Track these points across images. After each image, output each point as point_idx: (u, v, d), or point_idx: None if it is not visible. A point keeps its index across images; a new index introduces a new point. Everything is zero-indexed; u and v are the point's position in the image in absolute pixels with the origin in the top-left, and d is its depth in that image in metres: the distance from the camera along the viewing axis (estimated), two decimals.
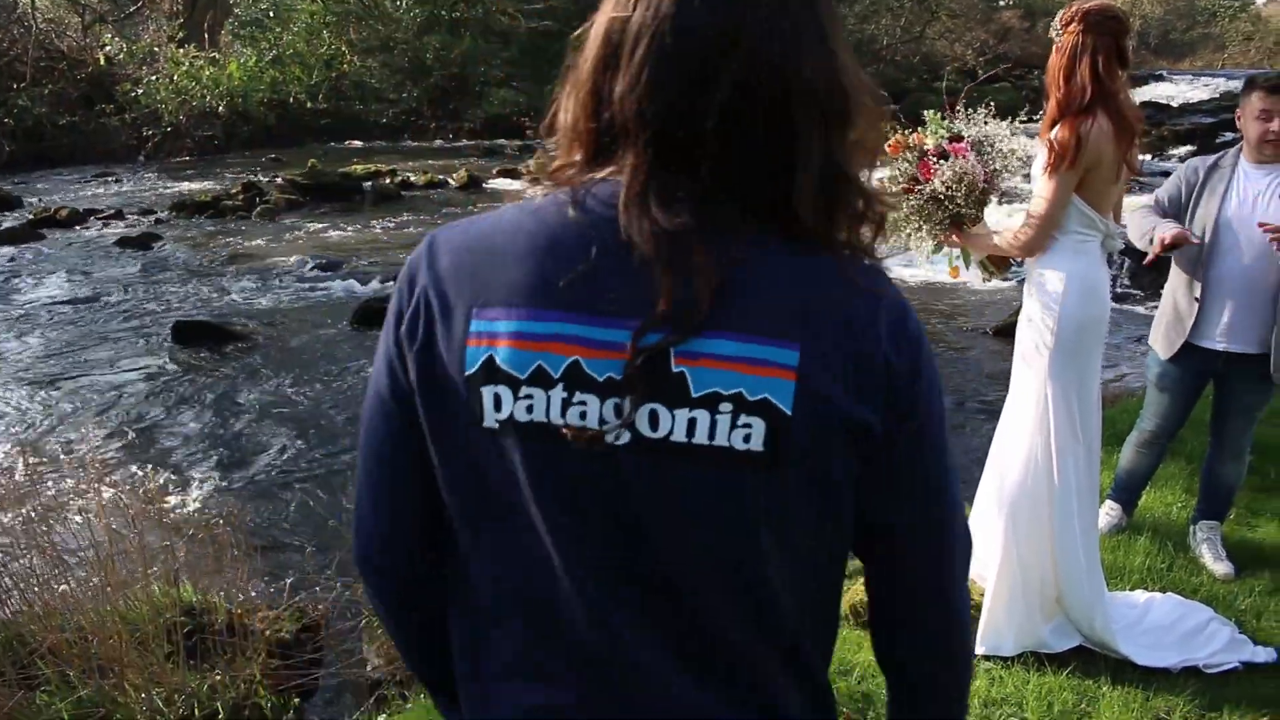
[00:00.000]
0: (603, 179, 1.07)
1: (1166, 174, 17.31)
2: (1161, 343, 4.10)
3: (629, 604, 1.07)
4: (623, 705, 1.10)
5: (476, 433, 1.07)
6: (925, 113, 3.45)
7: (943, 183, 3.25)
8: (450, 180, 20.61)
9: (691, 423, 1.01)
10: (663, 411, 1.01)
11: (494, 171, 22.18)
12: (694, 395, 1.00)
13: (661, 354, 1.00)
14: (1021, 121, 3.55)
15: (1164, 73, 42.68)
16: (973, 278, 3.69)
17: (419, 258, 1.14)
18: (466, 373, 1.06)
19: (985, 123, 3.41)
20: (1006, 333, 7.55)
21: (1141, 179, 17.73)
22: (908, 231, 3.42)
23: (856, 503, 1.09)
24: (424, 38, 28.25)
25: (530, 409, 1.04)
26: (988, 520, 3.52)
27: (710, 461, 1.02)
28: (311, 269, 12.36)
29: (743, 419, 1.00)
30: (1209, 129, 26.70)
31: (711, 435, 1.01)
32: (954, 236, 3.42)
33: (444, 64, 28.94)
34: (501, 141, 28.40)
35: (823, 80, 1.04)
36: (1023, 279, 3.64)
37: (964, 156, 3.29)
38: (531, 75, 29.55)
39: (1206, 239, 3.89)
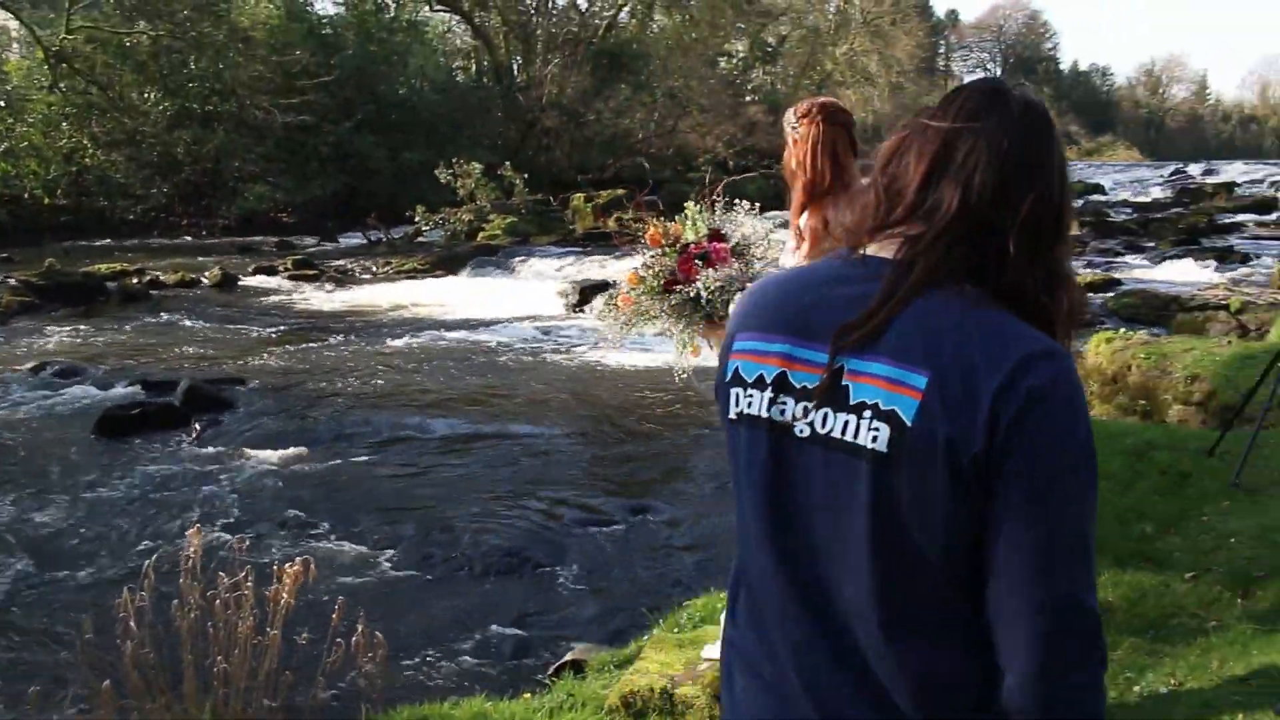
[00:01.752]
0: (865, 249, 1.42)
1: None
2: None
3: (789, 578, 1.38)
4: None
5: (726, 424, 1.47)
6: (686, 204, 3.54)
7: (706, 288, 3.35)
8: (203, 279, 19.82)
9: (845, 424, 1.33)
10: (830, 413, 1.34)
11: (250, 269, 21.51)
12: (851, 402, 1.33)
13: (838, 371, 1.34)
14: (770, 212, 3.69)
15: None
16: (707, 358, 3.77)
17: (740, 299, 1.60)
18: (725, 379, 1.47)
19: (742, 220, 3.54)
20: None
21: None
22: (663, 327, 3.52)
23: (963, 533, 1.28)
24: (174, 132, 27.23)
25: (751, 404, 1.42)
26: None
27: (853, 453, 1.32)
28: (49, 375, 11.58)
29: (875, 423, 1.30)
30: None
31: (856, 434, 1.31)
32: (710, 331, 3.49)
33: (195, 159, 27.97)
34: (257, 238, 27.60)
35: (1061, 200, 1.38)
36: None
37: (728, 263, 3.40)
38: (288, 170, 28.94)
39: None
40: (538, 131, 35.60)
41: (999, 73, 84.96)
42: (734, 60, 47.61)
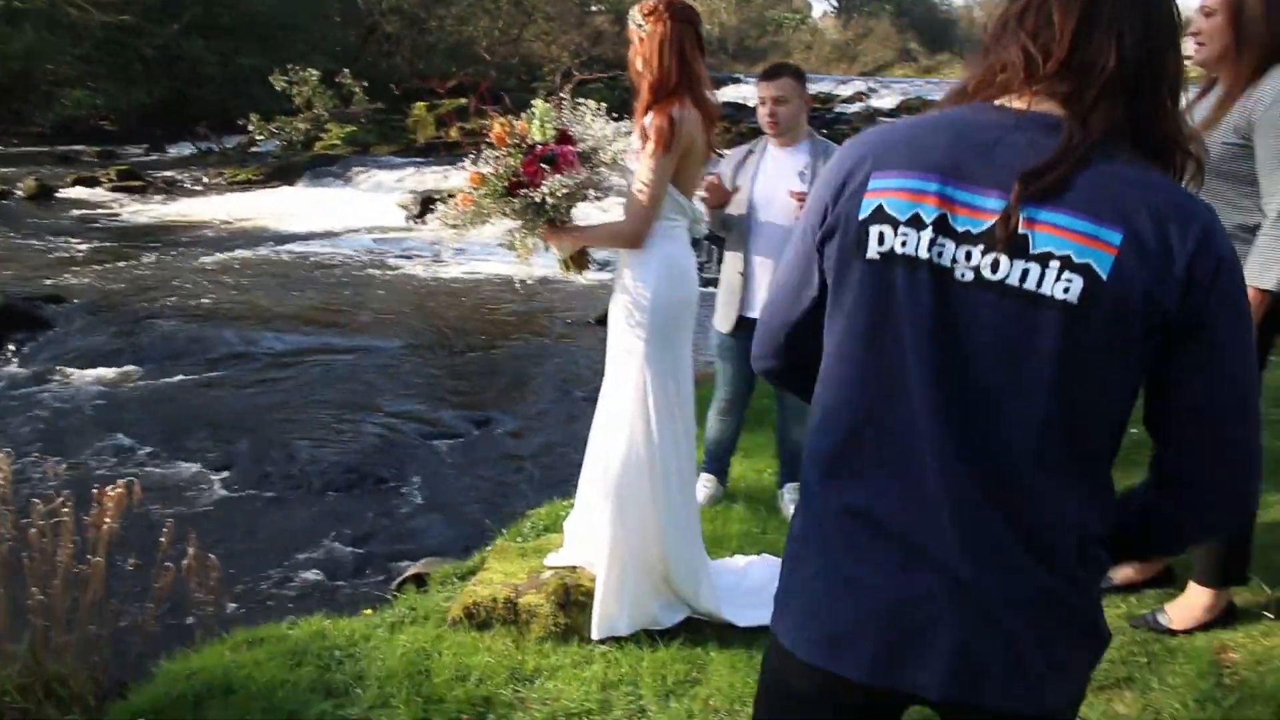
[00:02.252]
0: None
1: None
2: (719, 317, 4.45)
3: (947, 418, 1.37)
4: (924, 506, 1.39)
5: (861, 264, 1.41)
6: (534, 101, 3.38)
7: (551, 193, 3.24)
8: (16, 190, 18.59)
9: (1025, 272, 1.32)
10: (1004, 260, 1.33)
11: (69, 179, 20.23)
12: (1032, 251, 1.32)
13: (1012, 216, 1.32)
14: (615, 118, 3.58)
15: (740, 76, 45.95)
16: (548, 265, 3.68)
17: (842, 148, 1.53)
18: (860, 216, 1.41)
19: (591, 121, 3.42)
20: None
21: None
22: (507, 229, 3.40)
23: (1160, 380, 1.37)
24: None
25: (904, 244, 1.37)
26: (593, 509, 3.60)
27: (1033, 302, 1.32)
28: None
29: (1066, 275, 1.31)
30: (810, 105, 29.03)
31: (1040, 284, 1.32)
32: (550, 236, 3.41)
33: (2, 59, 26.00)
34: (78, 147, 25.90)
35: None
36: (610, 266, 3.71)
37: (575, 169, 3.29)
38: (110, 74, 27.19)
39: (745, 218, 4.26)
40: (378, 37, 34.35)
41: None
42: None
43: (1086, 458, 1.39)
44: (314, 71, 24.35)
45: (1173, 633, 3.38)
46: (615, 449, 3.45)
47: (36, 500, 3.48)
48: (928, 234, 1.37)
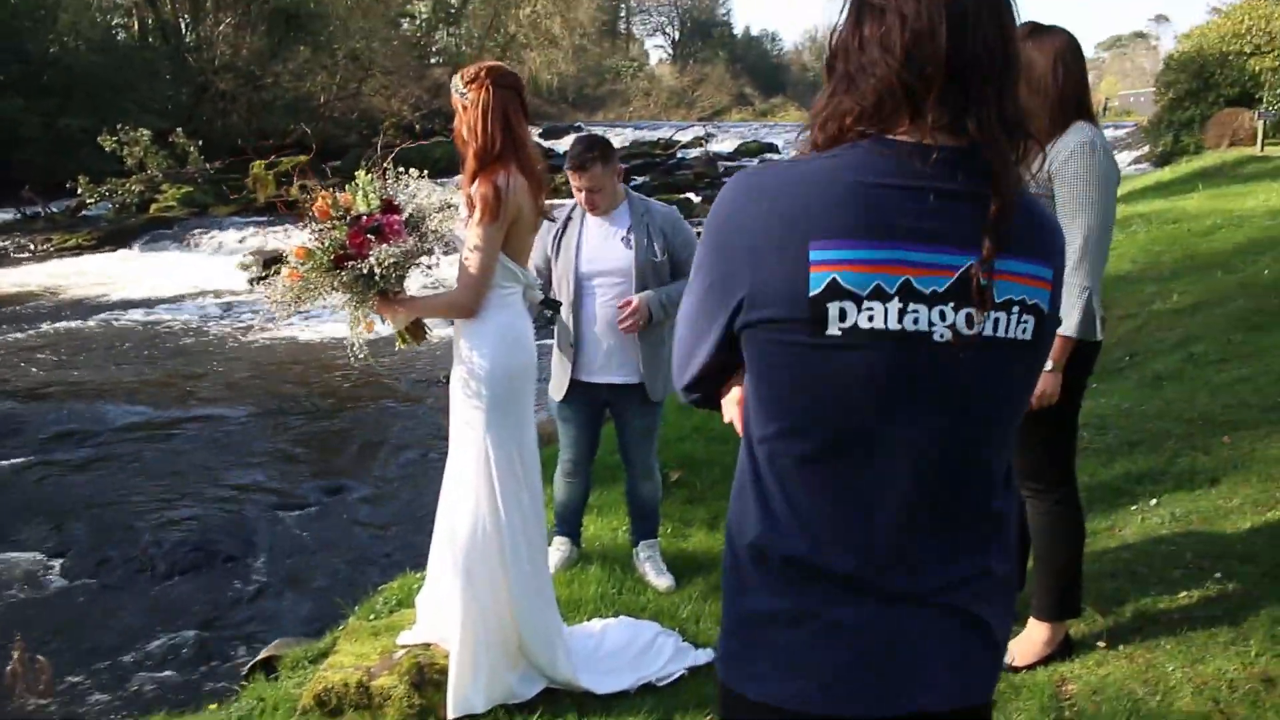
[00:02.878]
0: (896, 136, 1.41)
1: None
2: (553, 385, 4.47)
3: (922, 478, 1.41)
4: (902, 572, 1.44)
5: (819, 340, 1.37)
6: (357, 173, 3.35)
7: (379, 263, 3.19)
8: None
9: (996, 322, 1.39)
10: (976, 314, 1.37)
11: None
12: (997, 300, 1.38)
13: (983, 274, 1.36)
14: (441, 184, 3.57)
15: (581, 124, 46.42)
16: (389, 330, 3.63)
17: (738, 198, 1.44)
18: (812, 293, 1.35)
19: (416, 189, 3.39)
20: None
21: None
22: (340, 305, 3.34)
23: None
24: None
25: (871, 318, 1.35)
26: (443, 582, 3.55)
27: (1004, 347, 1.41)
28: None
29: (1024, 317, 1.41)
30: (623, 174, 29.41)
31: (1007, 330, 1.40)
32: (383, 307, 3.37)
33: None
34: None
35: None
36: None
37: (401, 239, 3.25)
38: None
39: (570, 287, 4.28)
40: (212, 95, 33.54)
41: (677, 37, 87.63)
42: (417, 21, 46.63)
43: (1010, 470, 1.54)
44: (145, 131, 23.62)
45: (1015, 669, 3.50)
46: (462, 521, 3.42)
47: None
48: (895, 304, 1.35)
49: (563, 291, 4.33)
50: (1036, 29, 3.26)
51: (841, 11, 1.45)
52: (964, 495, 1.46)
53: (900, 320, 1.35)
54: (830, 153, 1.42)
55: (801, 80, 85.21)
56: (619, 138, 41.36)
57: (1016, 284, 1.40)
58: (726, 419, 1.66)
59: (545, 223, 4.25)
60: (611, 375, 4.32)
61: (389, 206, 3.32)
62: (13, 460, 7.95)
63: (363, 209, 3.27)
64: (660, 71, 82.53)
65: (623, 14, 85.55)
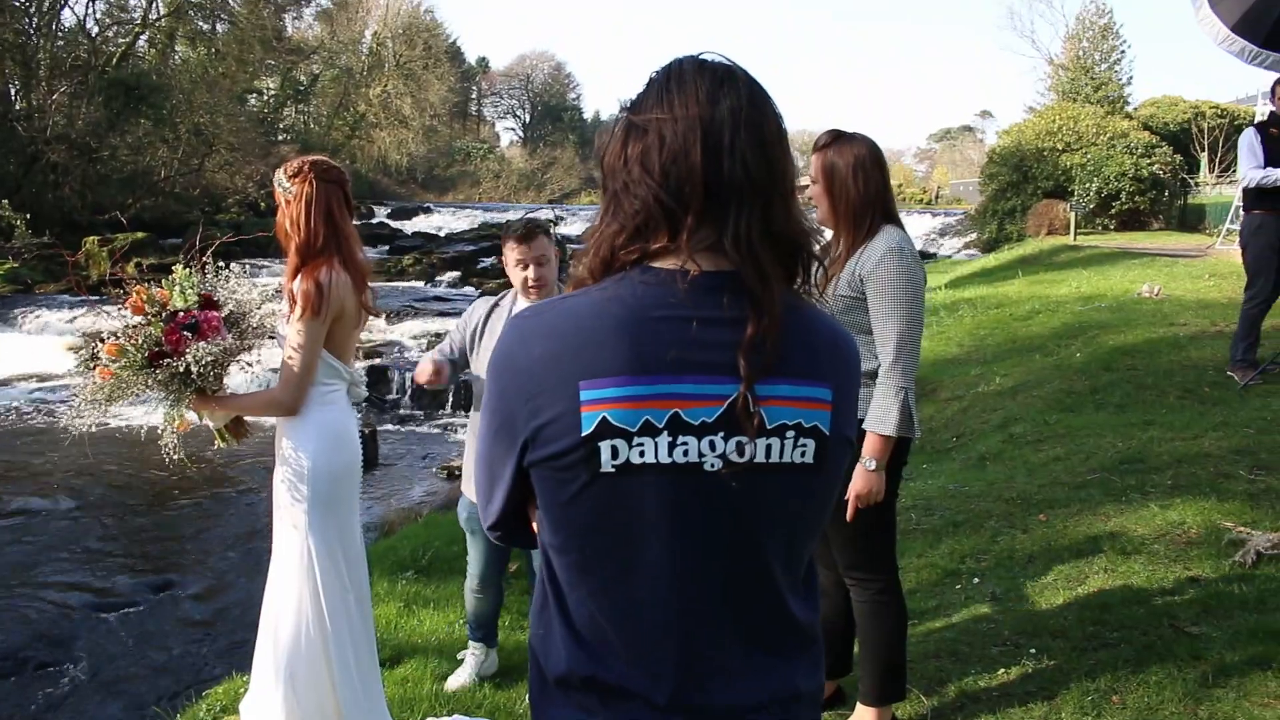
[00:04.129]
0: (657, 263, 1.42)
1: (438, 298, 18.62)
2: (465, 482, 4.25)
3: (711, 601, 1.43)
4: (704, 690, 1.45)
5: (593, 478, 1.38)
6: (175, 268, 3.23)
7: (196, 361, 3.11)
8: None
9: (768, 448, 1.39)
10: (745, 442, 1.37)
11: None
12: (769, 427, 1.38)
13: (749, 402, 1.36)
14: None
15: (430, 205, 46.39)
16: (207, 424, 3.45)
17: (513, 344, 1.44)
18: (584, 433, 1.36)
19: (236, 285, 3.33)
20: None
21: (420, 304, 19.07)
22: (155, 402, 3.25)
23: None
24: None
25: (642, 453, 1.36)
26: (265, 689, 3.42)
27: (779, 471, 1.41)
28: None
29: (801, 441, 1.41)
30: (471, 255, 29.65)
31: (782, 454, 1.40)
32: (201, 405, 3.28)
33: None
34: None
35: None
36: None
37: (220, 336, 3.18)
38: None
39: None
40: (43, 166, 32.32)
41: (527, 120, 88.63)
42: (265, 98, 46.10)
43: (810, 579, 1.57)
44: None
45: None
46: (285, 623, 3.32)
47: None
48: (664, 438, 1.36)
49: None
50: (839, 136, 3.38)
51: (613, 131, 1.47)
52: (757, 614, 1.47)
53: (670, 453, 1.36)
54: (600, 285, 1.43)
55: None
56: (468, 219, 41.68)
57: (790, 408, 1.40)
58: None
59: (468, 313, 4.20)
60: None
61: (208, 302, 3.23)
62: None
63: (180, 305, 3.18)
64: (510, 154, 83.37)
65: (474, 96, 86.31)
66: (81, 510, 8.76)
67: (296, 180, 3.29)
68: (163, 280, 3.25)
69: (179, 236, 28.36)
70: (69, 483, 9.50)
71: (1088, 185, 25.00)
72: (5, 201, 23.79)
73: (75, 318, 18.64)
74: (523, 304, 4.11)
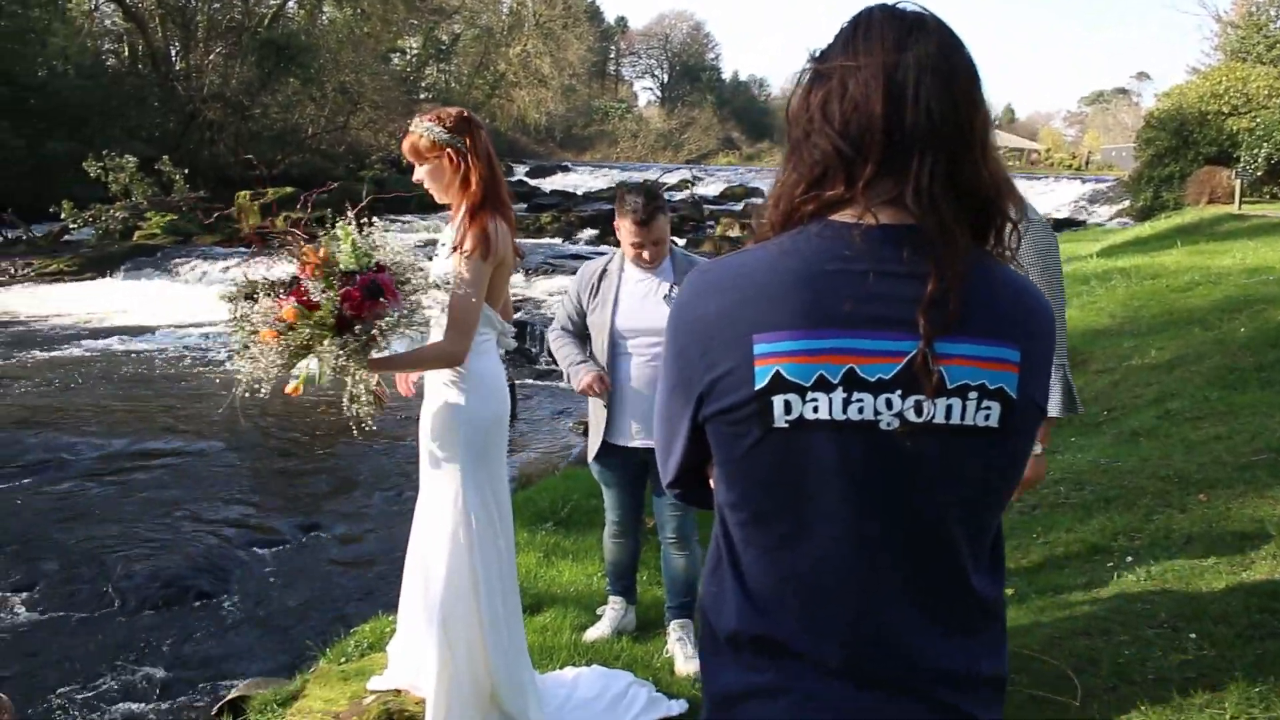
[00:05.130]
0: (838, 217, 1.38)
1: (575, 257, 18.81)
2: (590, 445, 4.29)
3: (887, 565, 1.38)
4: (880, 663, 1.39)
5: (765, 433, 1.36)
6: (338, 225, 3.07)
7: (390, 326, 3.01)
8: None
9: (948, 409, 1.34)
10: (925, 401, 1.32)
11: None
12: (949, 387, 1.33)
13: (927, 359, 1.31)
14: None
15: (568, 164, 46.79)
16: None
17: (689, 300, 1.44)
18: (757, 387, 1.35)
19: (384, 243, 3.13)
20: None
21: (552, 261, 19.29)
22: (331, 367, 3.00)
23: None
24: None
25: (816, 409, 1.33)
26: (417, 631, 3.51)
27: (959, 434, 1.35)
28: None
29: (985, 403, 1.35)
30: (609, 214, 29.70)
31: (963, 416, 1.35)
32: (374, 369, 3.14)
33: None
34: None
35: None
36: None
37: (398, 300, 3.04)
38: None
39: (605, 345, 4.09)
40: (200, 124, 33.64)
41: (665, 80, 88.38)
42: (407, 57, 46.98)
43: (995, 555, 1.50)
44: (131, 158, 23.69)
45: None
46: (436, 569, 3.37)
47: None
48: (839, 394, 1.33)
49: (597, 349, 4.14)
50: None
51: (799, 79, 1.44)
52: (936, 583, 1.41)
53: (845, 410, 1.33)
54: (776, 240, 1.41)
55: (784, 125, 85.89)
56: (605, 178, 41.80)
57: (973, 368, 1.35)
58: None
59: (579, 274, 4.20)
60: (648, 438, 4.00)
61: (379, 267, 3.06)
62: None
63: (350, 266, 3.01)
64: (648, 114, 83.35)
65: (612, 56, 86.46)
66: (234, 451, 9.12)
67: (462, 132, 3.29)
68: (321, 237, 3.12)
69: (327, 192, 29.12)
70: (224, 425, 9.89)
71: (1256, 151, 23.68)
72: (165, 157, 24.84)
73: (228, 268, 19.35)
74: (634, 271, 4.11)
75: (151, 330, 14.77)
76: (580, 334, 4.24)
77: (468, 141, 3.29)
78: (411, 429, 3.14)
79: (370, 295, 2.96)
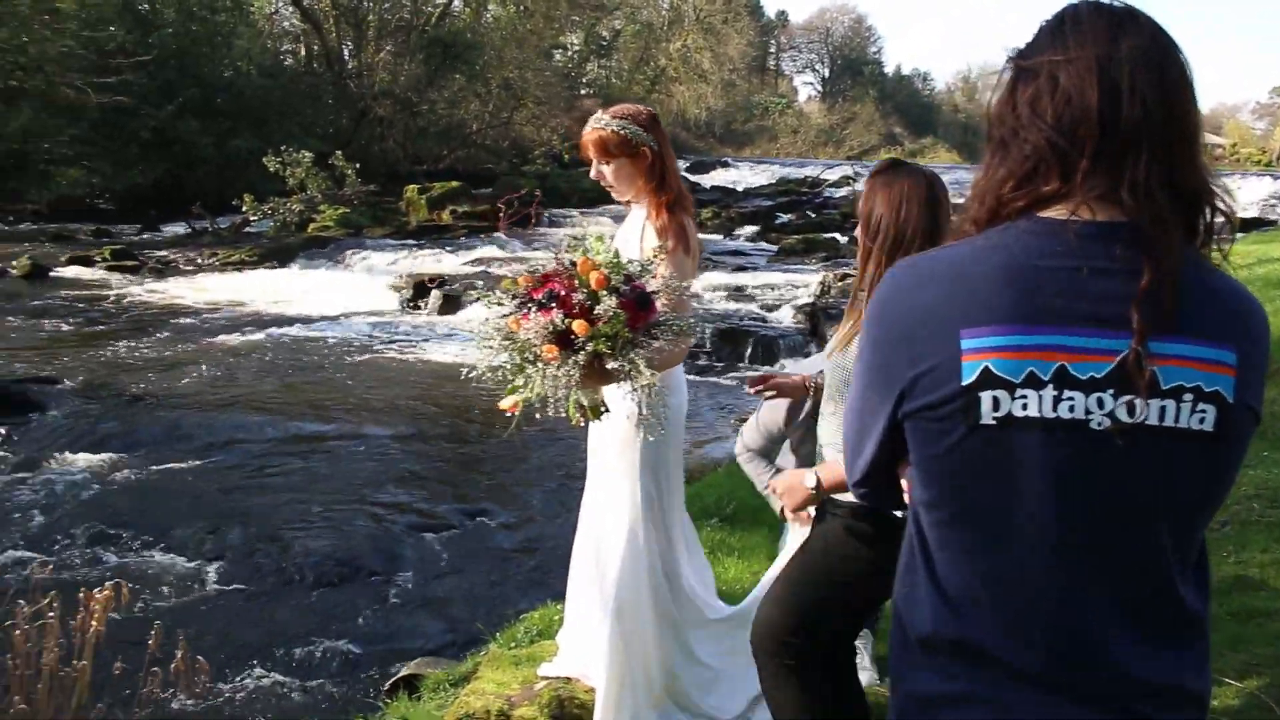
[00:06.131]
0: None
1: (735, 253, 18.73)
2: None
3: (1092, 570, 1.33)
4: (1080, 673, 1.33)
5: (971, 430, 1.33)
6: (588, 235, 2.88)
7: (656, 333, 2.83)
8: (10, 269, 18.64)
9: (1162, 410, 1.29)
10: (1139, 402, 1.28)
11: (63, 258, 20.30)
12: (1163, 388, 1.29)
13: (1141, 358, 1.27)
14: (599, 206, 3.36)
15: (728, 159, 46.69)
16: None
17: (890, 294, 1.42)
18: (964, 382, 1.32)
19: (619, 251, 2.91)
20: None
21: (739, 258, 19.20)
22: (641, 384, 2.76)
23: None
24: None
25: (1025, 406, 1.30)
26: (589, 618, 3.50)
27: (1176, 438, 1.30)
28: None
29: (1200, 406, 1.30)
30: (769, 210, 29.48)
31: (1176, 419, 1.29)
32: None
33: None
34: (73, 226, 26.11)
35: None
36: None
37: (654, 310, 2.85)
38: (105, 154, 27.41)
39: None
40: (370, 120, 34.79)
41: (826, 74, 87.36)
42: (569, 53, 47.61)
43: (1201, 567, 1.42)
44: (307, 153, 24.66)
45: None
46: (610, 562, 3.35)
47: (22, 602, 3.42)
48: (1049, 391, 1.30)
49: None
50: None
51: (1000, 78, 1.42)
52: (1143, 592, 1.35)
53: (1055, 408, 1.30)
54: (983, 235, 1.38)
55: (953, 121, 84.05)
56: (766, 174, 41.49)
57: (1188, 369, 1.30)
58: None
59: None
60: None
61: (629, 276, 2.85)
62: (172, 465, 8.28)
63: (618, 279, 2.80)
64: (808, 109, 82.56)
65: (772, 50, 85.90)
66: (403, 436, 9.40)
67: (652, 130, 3.28)
68: (573, 246, 2.87)
69: (489, 186, 29.83)
70: (393, 410, 10.20)
71: None
72: (339, 152, 25.74)
73: (396, 260, 19.93)
74: None
75: (324, 319, 15.30)
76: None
77: (655, 135, 3.29)
78: (576, 422, 3.03)
79: (642, 306, 2.82)
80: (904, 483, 1.53)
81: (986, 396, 1.31)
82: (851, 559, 2.68)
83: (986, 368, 1.31)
